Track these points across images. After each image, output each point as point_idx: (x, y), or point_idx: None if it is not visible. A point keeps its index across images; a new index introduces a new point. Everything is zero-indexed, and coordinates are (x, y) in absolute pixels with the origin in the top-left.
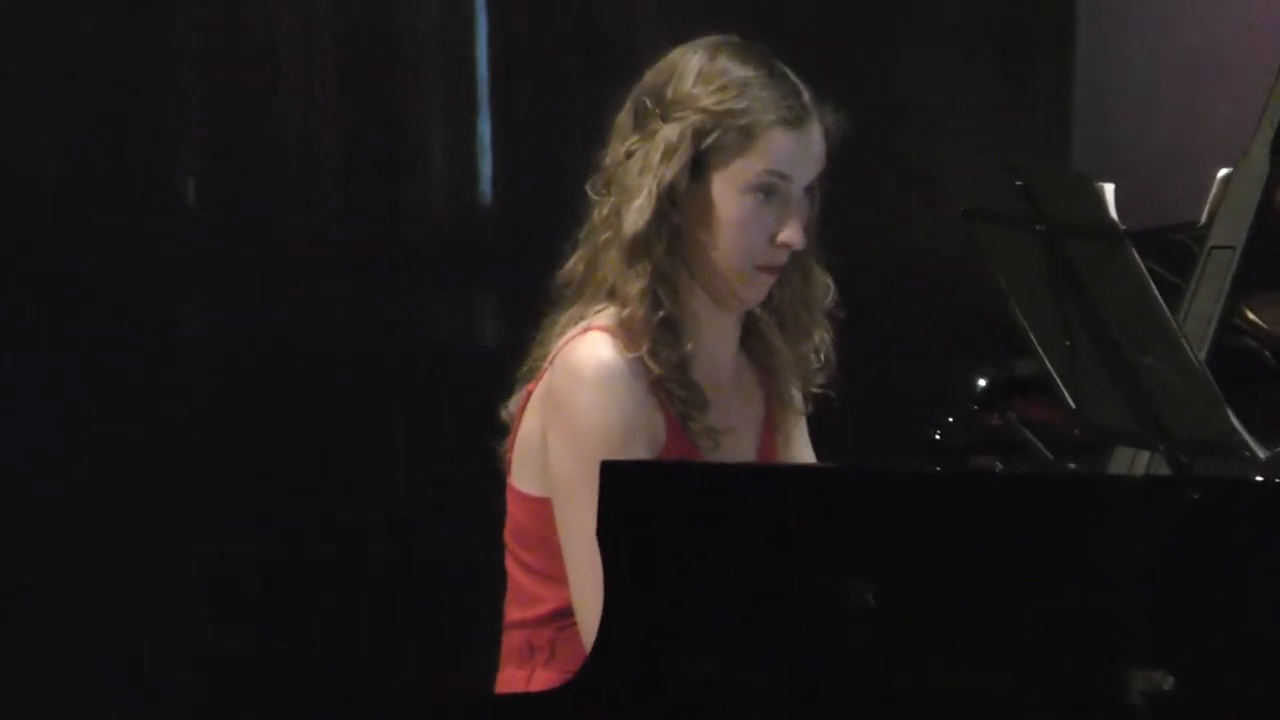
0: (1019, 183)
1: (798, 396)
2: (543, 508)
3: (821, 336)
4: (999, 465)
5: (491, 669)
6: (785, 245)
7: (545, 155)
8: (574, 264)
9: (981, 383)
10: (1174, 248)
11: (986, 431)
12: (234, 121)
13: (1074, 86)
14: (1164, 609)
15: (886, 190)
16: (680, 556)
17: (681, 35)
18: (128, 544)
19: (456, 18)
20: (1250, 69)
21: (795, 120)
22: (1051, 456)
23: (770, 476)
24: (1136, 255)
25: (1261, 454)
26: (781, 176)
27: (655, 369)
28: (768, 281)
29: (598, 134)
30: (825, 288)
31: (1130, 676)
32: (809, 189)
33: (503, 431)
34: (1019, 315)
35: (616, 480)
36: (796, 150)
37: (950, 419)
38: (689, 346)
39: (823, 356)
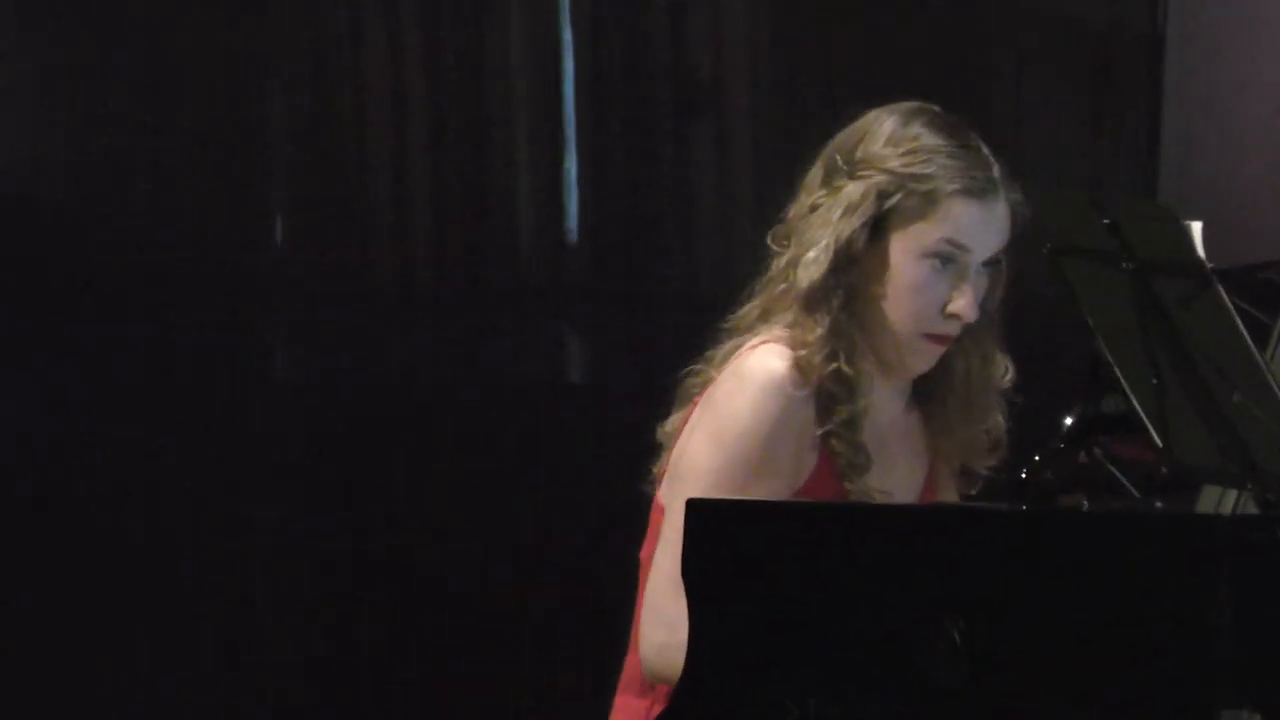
0: (1106, 220)
1: (963, 477)
2: None
3: (996, 420)
4: (1086, 503)
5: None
6: (955, 316)
7: (632, 194)
8: (748, 310)
9: (1069, 420)
10: (1261, 286)
11: (1074, 469)
12: (322, 159)
13: (1161, 123)
14: (1251, 648)
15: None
16: (764, 594)
17: (768, 77)
18: (220, 584)
19: (544, 54)
20: None
21: (979, 191)
22: (1139, 494)
23: (855, 515)
24: (1224, 293)
25: None
26: (959, 246)
27: (828, 419)
28: (935, 351)
29: (683, 173)
30: (1005, 369)
31: (1218, 716)
32: (990, 264)
33: (654, 452)
34: (1106, 352)
35: (702, 518)
36: (977, 222)
37: (1037, 457)
38: (861, 404)
39: (994, 438)
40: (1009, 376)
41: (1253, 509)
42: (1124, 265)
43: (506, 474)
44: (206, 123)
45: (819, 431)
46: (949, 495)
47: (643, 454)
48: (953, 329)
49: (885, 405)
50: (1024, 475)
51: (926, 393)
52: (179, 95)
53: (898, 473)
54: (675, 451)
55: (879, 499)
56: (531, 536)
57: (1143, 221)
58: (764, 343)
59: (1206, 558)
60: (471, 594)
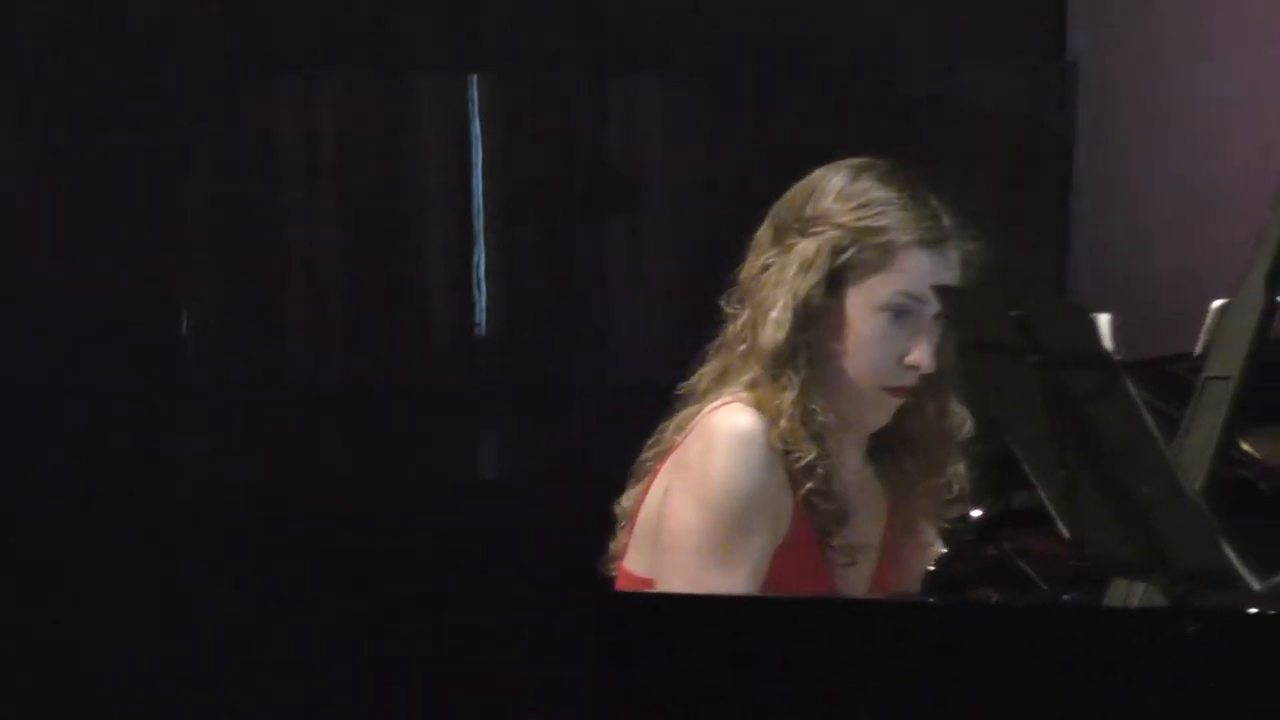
0: (1014, 313)
1: (926, 528)
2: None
3: (956, 470)
4: (995, 597)
5: None
6: (914, 367)
7: (543, 287)
8: (703, 374)
9: (978, 514)
10: (1170, 379)
11: (983, 563)
12: (232, 250)
13: (1070, 217)
14: None
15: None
16: (676, 688)
17: (683, 169)
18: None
19: (454, 146)
20: (1246, 199)
21: (933, 242)
22: (1047, 588)
23: (761, 608)
24: (1132, 386)
25: (1256, 585)
26: (915, 298)
27: (809, 479)
28: (894, 404)
29: (596, 266)
30: (962, 419)
31: None
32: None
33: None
34: (1014, 446)
35: (612, 611)
36: (933, 272)
37: (946, 550)
38: (831, 460)
39: (956, 490)
40: (967, 427)
41: (1161, 601)
42: (1032, 359)
43: (419, 571)
44: (115, 210)
45: (795, 490)
46: (910, 550)
47: (555, 548)
48: (911, 380)
49: (847, 460)
50: (933, 569)
51: (883, 446)
52: (86, 178)
53: (863, 527)
54: (642, 522)
55: (859, 555)
56: (446, 635)
57: (1051, 315)
58: (726, 403)
59: (1115, 651)
60: (386, 685)
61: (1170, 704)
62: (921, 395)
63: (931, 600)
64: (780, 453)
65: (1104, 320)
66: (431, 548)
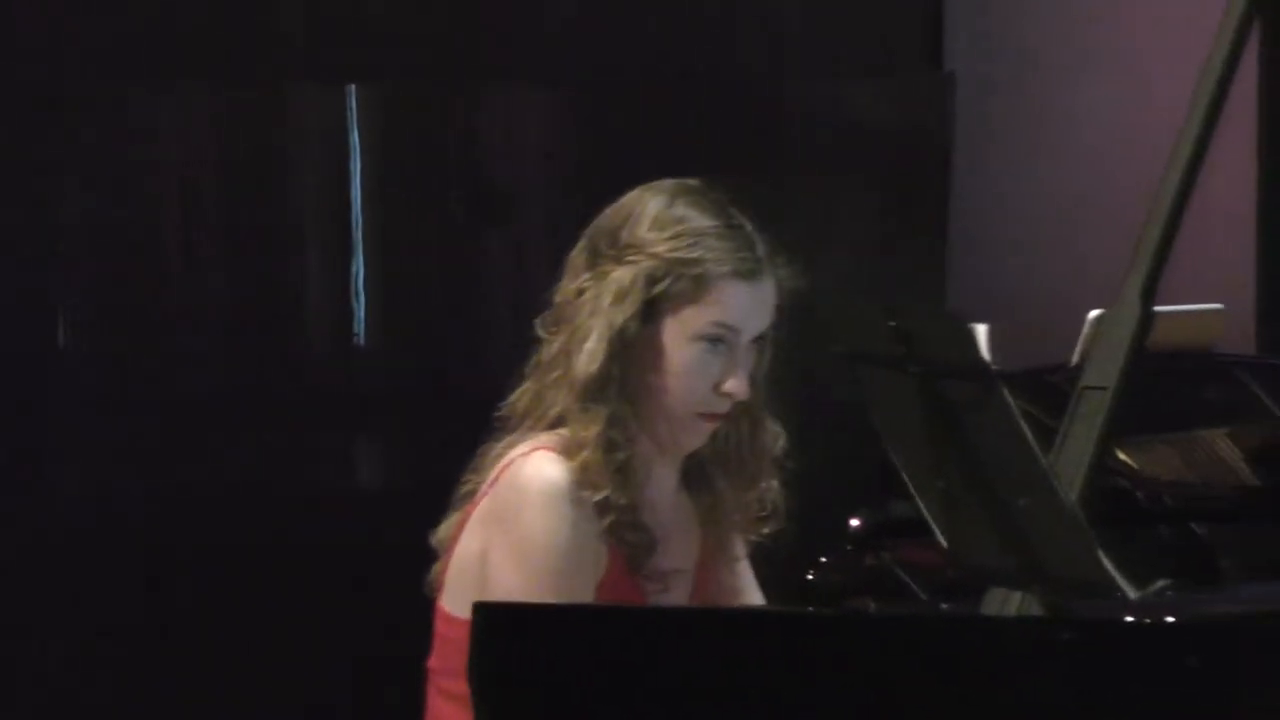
0: (893, 324)
1: (738, 543)
2: None
3: (769, 485)
4: (873, 606)
5: None
6: (729, 395)
7: (421, 297)
8: (519, 396)
9: (856, 523)
10: (1047, 389)
11: (862, 573)
12: (109, 261)
13: (950, 228)
14: None
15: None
16: (556, 701)
17: (561, 180)
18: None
19: (332, 156)
20: (1123, 210)
21: (748, 273)
22: (926, 597)
23: (642, 619)
24: (1009, 397)
25: (1132, 594)
26: (730, 328)
27: (611, 514)
28: (710, 429)
29: (475, 276)
30: (775, 436)
31: None
32: (759, 339)
33: (430, 557)
34: (894, 456)
35: (491, 623)
36: (747, 302)
37: (824, 560)
38: (640, 490)
39: (769, 505)
40: (781, 443)
41: (1038, 610)
42: (911, 370)
43: (300, 582)
44: None
45: (605, 525)
46: (734, 578)
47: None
48: (726, 407)
49: (662, 485)
50: (811, 577)
51: (696, 464)
52: None
53: (675, 551)
54: (459, 562)
55: (671, 580)
56: (324, 647)
57: (929, 326)
58: (535, 449)
59: (992, 660)
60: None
61: (1047, 712)
62: (736, 414)
63: (811, 609)
64: (588, 494)
65: (982, 330)
66: (309, 558)
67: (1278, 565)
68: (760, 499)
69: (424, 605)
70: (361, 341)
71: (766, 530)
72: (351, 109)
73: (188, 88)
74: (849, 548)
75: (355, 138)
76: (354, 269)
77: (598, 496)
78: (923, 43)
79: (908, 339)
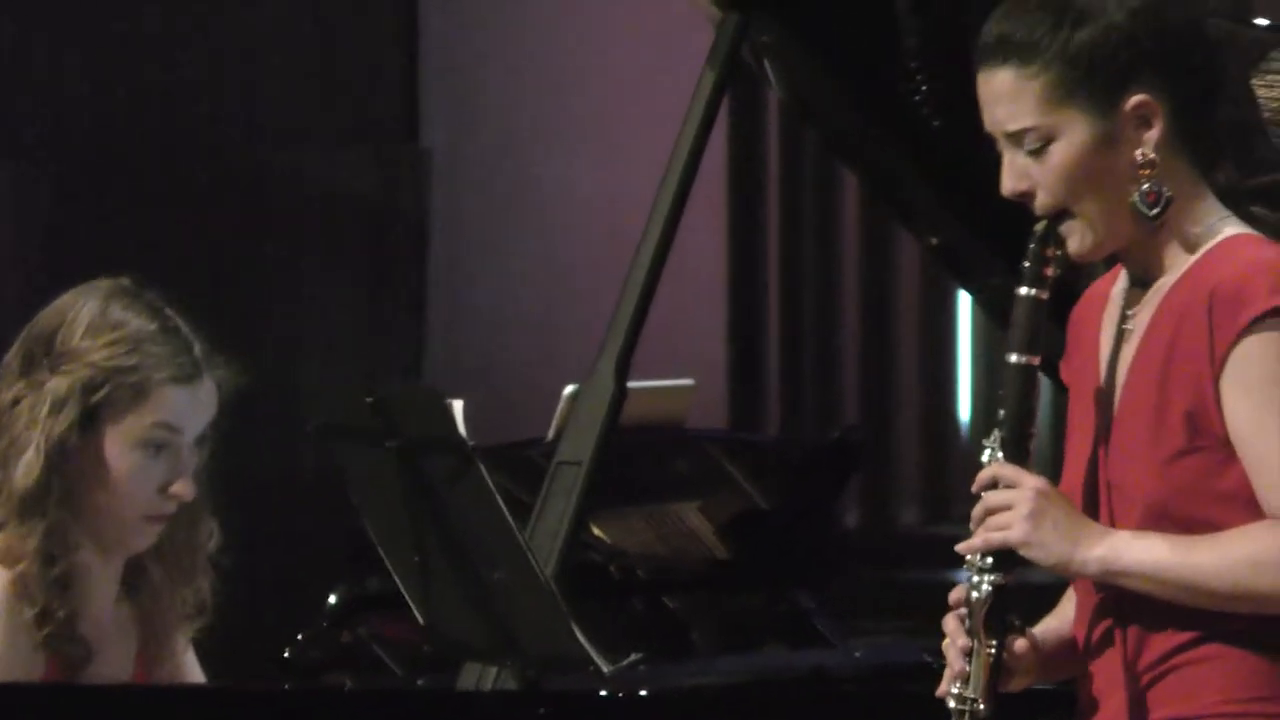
0: (369, 399)
1: (179, 640)
2: None
3: (203, 581)
4: (349, 683)
5: None
6: (176, 497)
7: None
8: None
9: (333, 599)
10: (522, 464)
11: (339, 649)
12: None
13: (426, 303)
14: None
15: (243, 410)
16: None
17: (33, 261)
18: None
19: None
20: (597, 287)
21: (187, 378)
22: (403, 673)
23: (117, 696)
24: (485, 471)
25: (606, 668)
26: (172, 430)
27: (49, 625)
28: (157, 530)
29: None
30: (210, 532)
31: None
32: (200, 438)
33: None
34: (370, 530)
35: None
36: (187, 406)
37: (301, 636)
38: (79, 600)
39: (198, 600)
40: (214, 540)
41: (513, 685)
42: (387, 444)
43: None
44: None
45: (42, 636)
46: (174, 669)
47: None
48: (173, 508)
49: (103, 591)
50: (288, 655)
51: (135, 561)
52: None
53: (113, 656)
54: None
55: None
56: None
57: (405, 401)
58: None
59: None
60: None
61: None
62: (176, 511)
63: (286, 686)
64: (25, 607)
65: (458, 406)
66: None
67: (749, 636)
68: (196, 591)
69: None
70: None
71: (198, 626)
72: None
73: None
74: (325, 624)
75: None
76: None
77: (34, 610)
78: (400, 118)
79: (384, 413)
